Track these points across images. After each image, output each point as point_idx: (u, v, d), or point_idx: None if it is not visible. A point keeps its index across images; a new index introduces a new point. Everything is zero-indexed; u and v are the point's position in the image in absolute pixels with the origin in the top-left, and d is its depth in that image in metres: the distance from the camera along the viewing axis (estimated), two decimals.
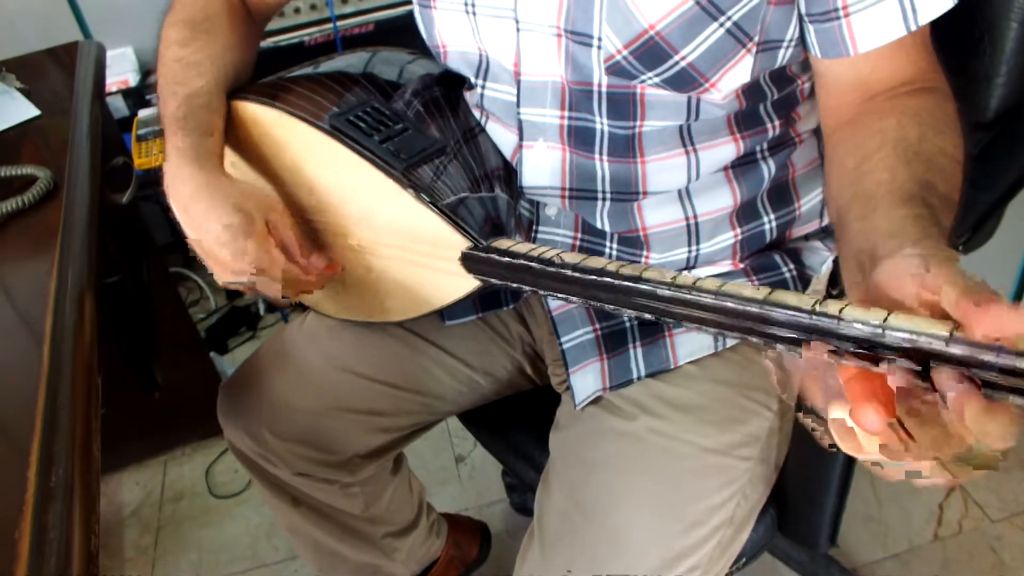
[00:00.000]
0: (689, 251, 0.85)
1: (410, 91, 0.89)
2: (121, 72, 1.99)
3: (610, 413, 0.87)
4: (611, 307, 0.64)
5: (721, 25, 0.70)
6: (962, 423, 0.45)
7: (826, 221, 0.90)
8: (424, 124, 0.85)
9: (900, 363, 0.47)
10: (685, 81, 0.73)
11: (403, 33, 0.91)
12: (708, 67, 0.72)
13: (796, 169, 0.86)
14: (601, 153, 0.80)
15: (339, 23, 2.03)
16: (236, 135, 0.89)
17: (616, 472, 0.84)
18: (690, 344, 0.87)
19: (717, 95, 0.75)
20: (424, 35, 0.88)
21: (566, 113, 0.80)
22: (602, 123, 0.79)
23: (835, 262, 0.89)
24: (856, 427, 0.47)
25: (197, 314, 2.25)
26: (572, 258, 0.67)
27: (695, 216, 0.83)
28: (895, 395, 0.46)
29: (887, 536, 1.55)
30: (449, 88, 0.91)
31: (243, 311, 2.23)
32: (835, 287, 0.89)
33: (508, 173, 0.86)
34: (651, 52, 0.71)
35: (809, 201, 0.88)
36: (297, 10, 2.02)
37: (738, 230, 0.85)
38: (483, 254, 0.75)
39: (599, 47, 0.73)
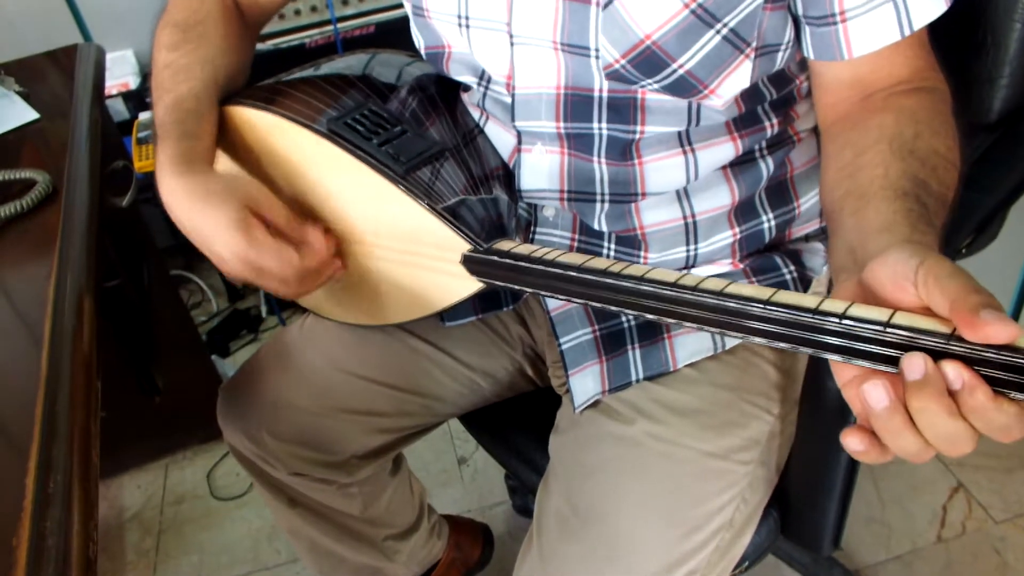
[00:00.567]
0: (687, 250, 0.84)
1: (406, 90, 0.89)
2: (121, 75, 1.99)
3: (609, 417, 0.87)
4: (614, 307, 0.64)
5: (718, 32, 0.70)
6: (969, 414, 0.46)
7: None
8: (422, 126, 0.85)
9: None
10: (684, 88, 0.73)
11: (404, 35, 0.90)
12: (707, 74, 0.72)
13: (795, 167, 0.86)
14: (600, 156, 0.80)
15: (340, 25, 2.03)
16: (232, 140, 0.88)
17: (614, 476, 0.84)
18: (689, 346, 0.87)
19: (717, 101, 0.75)
20: (420, 42, 0.87)
21: (562, 124, 0.80)
22: (601, 129, 0.79)
23: None
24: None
25: (198, 317, 2.25)
26: (575, 259, 0.67)
27: (693, 215, 0.83)
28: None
29: (890, 538, 1.54)
30: (445, 87, 0.91)
31: (244, 314, 2.23)
32: None
33: (507, 173, 0.86)
34: (649, 61, 0.71)
35: (808, 200, 0.87)
36: (297, 12, 2.02)
37: (736, 229, 0.84)
38: (485, 256, 0.75)
39: (597, 57, 0.74)
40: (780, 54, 0.75)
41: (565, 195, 0.84)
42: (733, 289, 0.57)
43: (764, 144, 0.83)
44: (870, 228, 0.59)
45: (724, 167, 0.82)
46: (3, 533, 0.61)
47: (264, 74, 0.94)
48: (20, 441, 0.69)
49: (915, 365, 0.47)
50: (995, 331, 0.44)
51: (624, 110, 0.77)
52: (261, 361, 1.08)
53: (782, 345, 0.55)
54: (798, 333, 0.53)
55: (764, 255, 0.87)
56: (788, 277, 0.86)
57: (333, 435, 1.04)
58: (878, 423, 0.49)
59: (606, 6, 0.70)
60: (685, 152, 0.80)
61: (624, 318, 0.87)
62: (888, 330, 0.49)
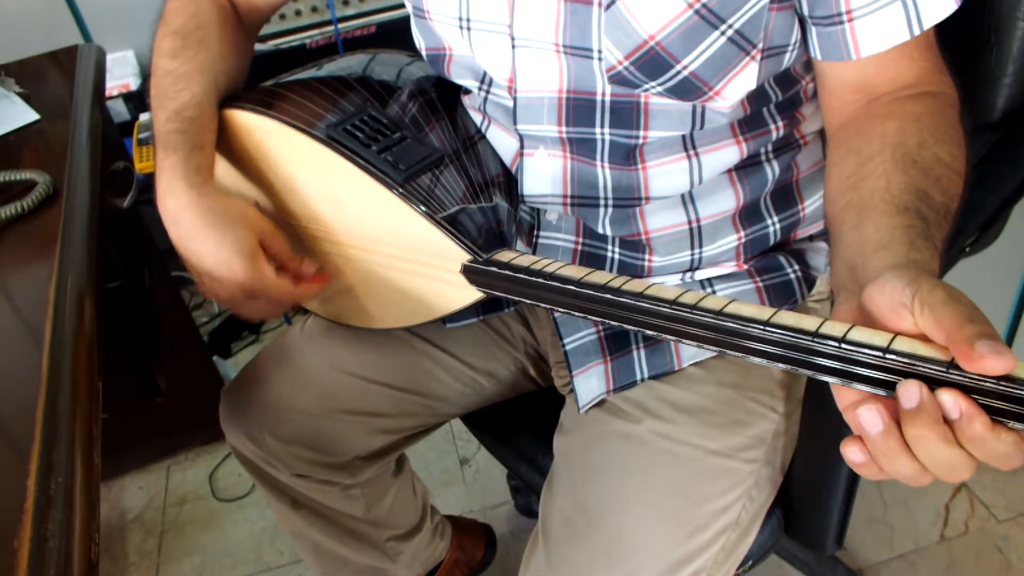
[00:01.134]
0: (692, 254, 0.84)
1: (406, 94, 0.88)
2: (122, 76, 1.99)
3: (614, 416, 0.87)
4: (614, 322, 0.64)
5: (723, 34, 0.69)
6: (966, 443, 0.46)
7: None
8: (422, 132, 0.84)
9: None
10: (688, 90, 0.73)
11: (405, 35, 0.90)
12: (711, 76, 0.71)
13: (800, 171, 0.86)
14: (603, 160, 0.80)
15: (340, 25, 2.03)
16: (230, 144, 0.88)
17: (620, 475, 0.84)
18: (694, 346, 0.86)
19: (722, 103, 0.74)
20: (421, 44, 0.87)
21: (564, 128, 0.79)
22: (603, 133, 0.78)
23: None
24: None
25: (200, 318, 2.25)
26: (575, 272, 0.67)
27: (697, 219, 0.83)
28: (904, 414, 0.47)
29: (893, 537, 1.54)
30: (446, 91, 0.91)
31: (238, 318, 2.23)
32: None
33: (508, 180, 0.86)
34: (652, 62, 0.71)
35: (813, 203, 0.87)
36: (298, 12, 2.02)
37: (741, 233, 0.84)
38: (484, 267, 0.75)
39: (600, 59, 0.73)
40: (787, 55, 0.74)
41: (568, 200, 0.83)
42: (732, 309, 0.57)
43: (770, 147, 0.82)
44: (869, 245, 0.58)
45: (729, 171, 0.81)
46: (4, 535, 0.61)
47: (265, 75, 0.93)
48: (21, 443, 0.69)
49: (911, 393, 0.47)
50: (992, 364, 0.44)
51: (627, 115, 0.77)
52: (263, 363, 1.08)
53: (781, 366, 0.55)
54: (797, 355, 0.53)
55: (768, 255, 0.87)
56: (792, 276, 0.86)
57: (335, 436, 1.03)
58: (873, 447, 0.49)
59: (608, 7, 0.70)
60: (689, 156, 0.79)
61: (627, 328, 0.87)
62: (887, 356, 0.48)
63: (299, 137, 0.81)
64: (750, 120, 0.79)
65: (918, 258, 0.55)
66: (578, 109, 0.78)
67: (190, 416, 1.70)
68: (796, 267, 0.86)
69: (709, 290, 0.86)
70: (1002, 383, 0.44)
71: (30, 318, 0.85)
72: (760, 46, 0.71)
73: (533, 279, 0.69)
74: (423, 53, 0.88)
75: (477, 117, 0.89)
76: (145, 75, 2.05)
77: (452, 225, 0.77)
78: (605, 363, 0.87)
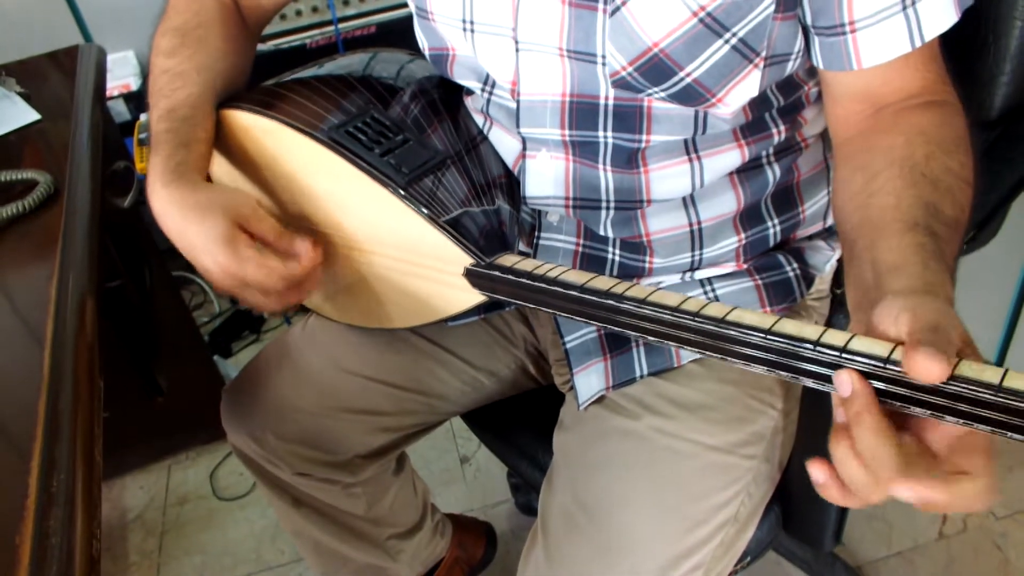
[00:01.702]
0: (693, 255, 0.84)
1: (408, 95, 0.88)
2: (123, 76, 1.99)
3: (614, 412, 0.87)
4: (616, 328, 0.64)
5: (726, 42, 0.69)
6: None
7: (830, 222, 0.90)
8: (424, 133, 0.84)
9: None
10: (691, 96, 0.73)
11: (405, 35, 0.90)
12: (714, 83, 0.71)
13: (801, 173, 0.86)
14: (605, 163, 0.80)
15: (341, 25, 2.03)
16: (232, 145, 0.88)
17: (620, 471, 0.84)
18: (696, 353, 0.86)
19: (725, 109, 0.74)
20: (424, 44, 0.87)
21: (567, 132, 0.79)
22: (606, 137, 0.79)
23: (839, 261, 0.89)
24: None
25: (200, 318, 2.25)
26: (578, 278, 0.67)
27: (698, 222, 0.83)
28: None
29: (892, 534, 1.54)
30: (448, 91, 0.91)
31: (247, 314, 2.23)
32: (839, 287, 0.89)
33: (510, 181, 0.86)
34: (656, 69, 0.71)
35: (813, 205, 0.87)
36: (299, 12, 2.02)
37: (742, 235, 0.84)
38: (487, 271, 0.75)
39: (603, 64, 0.73)
40: (790, 63, 0.74)
41: (570, 202, 0.83)
42: (735, 317, 0.57)
43: (771, 151, 0.82)
44: (883, 266, 0.59)
45: (730, 173, 0.81)
46: (6, 531, 0.62)
47: (265, 75, 0.93)
48: (23, 441, 0.69)
49: (842, 382, 0.50)
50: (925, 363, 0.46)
51: (630, 118, 0.77)
52: (264, 362, 1.08)
53: (783, 375, 0.55)
54: (799, 364, 0.54)
55: (767, 254, 0.87)
56: (791, 275, 0.86)
57: (337, 435, 1.04)
58: (833, 444, 0.51)
59: (613, 13, 0.70)
60: (691, 160, 0.79)
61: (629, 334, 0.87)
62: (888, 366, 0.49)
63: (301, 139, 0.81)
64: (752, 125, 0.79)
65: (932, 280, 0.56)
66: (581, 112, 0.78)
67: (191, 415, 1.70)
68: (795, 265, 0.86)
69: (708, 288, 0.86)
70: (1001, 394, 0.46)
71: (31, 317, 0.86)
72: (763, 54, 0.71)
73: (536, 284, 0.69)
74: (426, 53, 0.88)
75: (479, 119, 0.89)
76: (145, 75, 2.05)
77: (455, 228, 0.76)
78: (605, 360, 0.87)
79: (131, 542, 1.75)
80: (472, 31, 0.79)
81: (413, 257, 0.81)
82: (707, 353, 0.59)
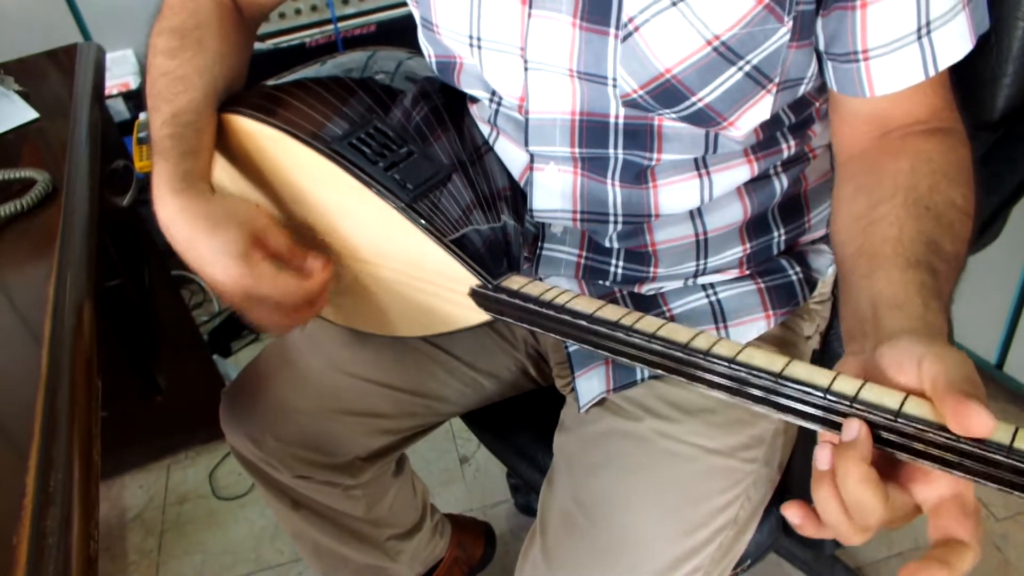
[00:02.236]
0: (697, 264, 0.84)
1: (410, 99, 0.87)
2: (121, 74, 1.99)
3: (614, 414, 0.87)
4: (625, 360, 0.64)
5: (740, 69, 0.69)
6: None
7: None
8: (428, 144, 0.82)
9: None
10: (703, 119, 0.72)
11: (405, 34, 0.89)
12: (726, 107, 0.71)
13: (809, 183, 0.86)
14: (613, 179, 0.79)
15: (340, 24, 2.03)
16: (233, 149, 0.86)
17: (620, 473, 0.84)
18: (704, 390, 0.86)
19: (736, 132, 0.74)
20: (430, 52, 0.85)
21: (577, 149, 0.79)
22: (617, 153, 0.78)
23: None
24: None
25: (200, 317, 2.25)
26: (587, 306, 0.66)
27: (705, 232, 0.82)
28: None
29: (891, 535, 1.54)
30: (451, 97, 0.89)
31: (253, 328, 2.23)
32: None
33: (515, 194, 0.85)
34: (667, 93, 0.70)
35: (819, 213, 0.87)
36: (298, 11, 2.02)
37: (747, 244, 0.84)
38: (494, 294, 0.74)
39: (614, 86, 0.72)
40: (802, 86, 0.74)
41: (578, 216, 0.83)
42: (744, 357, 0.56)
43: (780, 163, 0.82)
44: (882, 300, 0.58)
45: (738, 186, 0.81)
46: (3, 531, 0.61)
47: (264, 74, 0.92)
48: (20, 440, 0.69)
49: (851, 429, 0.50)
50: (975, 421, 0.46)
51: (641, 137, 0.76)
52: (263, 364, 1.08)
53: (790, 419, 0.55)
54: (807, 410, 0.53)
55: (770, 258, 0.87)
56: (794, 279, 0.86)
57: (336, 437, 1.03)
58: (814, 485, 0.51)
59: (625, 39, 0.69)
60: (700, 175, 0.79)
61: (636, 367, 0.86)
62: (899, 420, 0.49)
63: (304, 150, 0.79)
64: (762, 142, 0.79)
65: (932, 321, 0.56)
66: (591, 131, 0.77)
67: (190, 415, 1.70)
68: (798, 269, 0.86)
69: (711, 292, 0.86)
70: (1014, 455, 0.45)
71: (29, 316, 0.85)
72: (777, 80, 0.70)
73: (543, 310, 0.69)
74: (432, 61, 0.86)
75: (485, 128, 0.88)
76: (144, 74, 2.05)
77: (461, 248, 0.75)
78: (607, 363, 0.87)
79: (130, 541, 1.75)
80: (479, 47, 0.78)
81: (418, 272, 0.80)
82: (712, 391, 0.59)
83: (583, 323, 0.65)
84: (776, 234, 0.85)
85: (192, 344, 1.77)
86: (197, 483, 1.85)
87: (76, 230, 0.97)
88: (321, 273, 0.79)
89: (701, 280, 0.86)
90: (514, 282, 0.73)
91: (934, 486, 0.50)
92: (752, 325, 0.85)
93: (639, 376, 0.86)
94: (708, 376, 0.58)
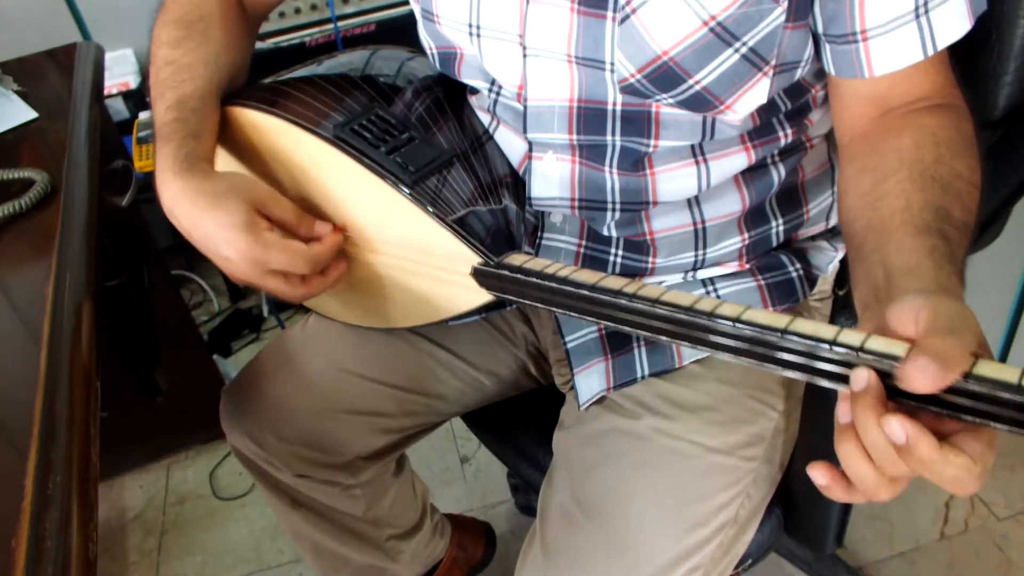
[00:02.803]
0: (696, 255, 0.84)
1: (412, 92, 0.87)
2: (121, 74, 1.99)
3: (614, 412, 0.87)
4: (627, 328, 0.64)
5: (736, 51, 0.69)
6: (916, 466, 0.49)
7: (833, 222, 0.90)
8: (430, 132, 0.83)
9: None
10: (700, 103, 0.73)
11: (405, 33, 0.90)
12: (723, 90, 0.71)
13: (806, 173, 0.85)
14: (611, 166, 0.80)
15: (340, 23, 2.02)
16: (235, 142, 0.87)
17: (619, 471, 0.84)
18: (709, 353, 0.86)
19: (733, 116, 0.74)
20: (430, 44, 0.86)
21: (575, 136, 0.79)
22: (615, 140, 0.78)
23: (842, 262, 0.89)
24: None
25: (200, 317, 2.25)
26: (589, 277, 0.66)
27: (703, 221, 0.82)
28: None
29: (893, 535, 1.54)
30: (452, 90, 0.90)
31: (246, 313, 2.23)
32: (841, 287, 0.88)
33: (516, 180, 0.85)
34: (665, 76, 0.71)
35: (817, 205, 0.87)
36: (298, 10, 2.02)
37: (746, 235, 0.84)
38: (495, 270, 0.74)
39: (612, 71, 0.73)
40: (799, 70, 0.74)
41: (576, 203, 0.83)
42: (749, 316, 0.56)
43: (777, 152, 0.82)
44: (894, 268, 0.58)
45: (736, 175, 0.81)
46: (2, 533, 0.61)
47: (264, 73, 0.92)
48: (19, 442, 0.69)
49: (860, 378, 0.50)
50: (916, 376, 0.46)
51: (638, 123, 0.77)
52: (263, 363, 1.07)
53: (797, 375, 0.55)
54: (813, 364, 0.53)
55: (770, 254, 0.86)
56: (794, 275, 0.85)
57: (337, 436, 1.03)
58: (838, 440, 0.51)
59: (623, 21, 0.69)
60: (698, 163, 0.79)
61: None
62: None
63: (306, 137, 0.80)
64: (759, 129, 0.79)
65: (946, 283, 0.56)
66: (589, 117, 0.78)
67: (190, 415, 1.70)
68: (798, 266, 0.86)
69: (711, 287, 0.86)
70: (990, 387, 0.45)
71: (28, 317, 0.85)
72: (773, 63, 0.71)
73: (546, 283, 0.69)
74: (433, 53, 0.87)
75: (485, 118, 0.89)
76: (144, 73, 2.05)
77: (462, 227, 0.76)
78: (606, 361, 0.87)
79: (131, 541, 1.75)
80: (479, 36, 0.78)
81: (419, 256, 0.81)
82: (719, 353, 0.58)
83: (585, 293, 0.65)
84: (774, 224, 0.85)
85: (192, 344, 1.77)
86: (197, 483, 1.85)
87: (75, 230, 0.97)
88: (331, 237, 0.80)
89: (701, 274, 0.86)
90: (516, 259, 0.73)
91: (949, 423, 0.50)
92: None
93: (639, 373, 0.86)
94: (713, 338, 0.58)
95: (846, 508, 0.91)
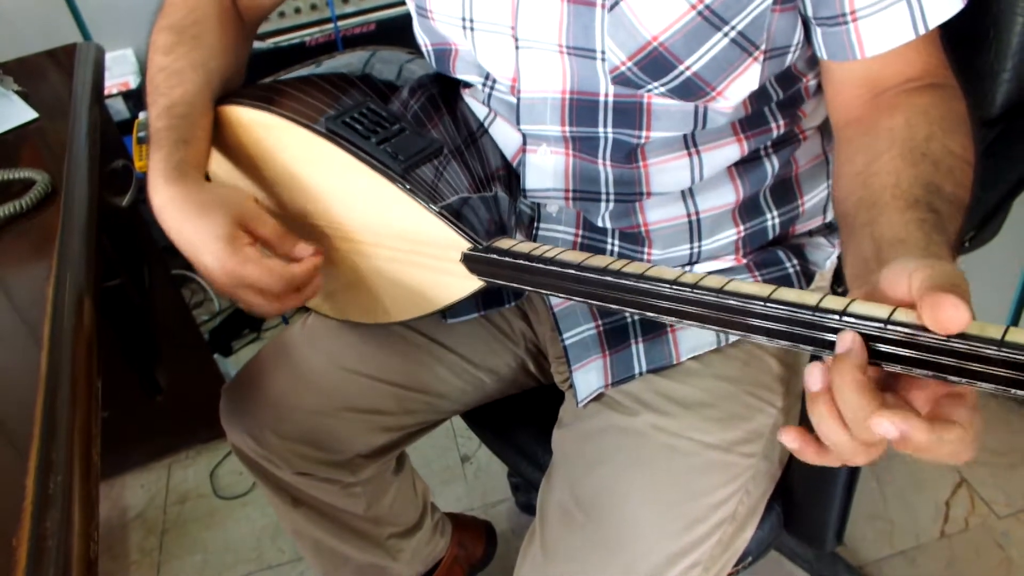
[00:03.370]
0: (691, 247, 0.84)
1: (407, 91, 0.88)
2: (121, 74, 1.99)
3: (612, 409, 0.87)
4: (615, 306, 0.64)
5: (725, 35, 0.69)
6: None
7: (829, 217, 0.90)
8: (422, 125, 0.84)
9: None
10: (691, 90, 0.73)
11: (405, 32, 0.90)
12: (714, 76, 0.71)
13: (799, 166, 0.86)
14: (604, 158, 0.80)
15: (340, 23, 2.02)
16: (229, 141, 0.88)
17: (618, 468, 0.84)
18: (692, 340, 0.86)
19: (725, 104, 0.74)
20: (425, 41, 0.87)
21: (567, 128, 0.79)
22: (607, 132, 0.78)
23: (839, 258, 0.89)
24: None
25: (200, 316, 2.25)
26: (575, 257, 0.67)
27: (697, 213, 0.83)
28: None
29: (893, 533, 1.54)
30: (447, 87, 0.90)
31: (247, 313, 2.23)
32: (839, 284, 0.89)
33: (509, 174, 0.86)
34: (655, 63, 0.71)
35: (812, 198, 0.87)
36: (298, 10, 2.02)
37: (741, 227, 0.84)
38: (484, 254, 0.74)
39: (603, 59, 0.73)
40: (789, 55, 0.74)
41: (570, 194, 0.83)
42: (733, 287, 0.57)
43: (770, 144, 0.82)
44: (884, 240, 0.58)
45: (729, 166, 0.81)
46: (3, 533, 0.61)
47: (264, 73, 0.93)
48: (20, 441, 0.69)
49: (845, 340, 0.49)
50: (948, 312, 0.45)
51: (630, 115, 0.77)
52: (263, 361, 1.08)
53: (783, 343, 0.55)
54: (799, 331, 0.53)
55: (767, 250, 0.87)
56: (791, 271, 0.86)
57: (337, 434, 1.03)
58: (810, 405, 0.51)
59: (612, 8, 0.70)
60: (691, 154, 0.79)
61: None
62: (888, 327, 0.49)
63: (298, 131, 0.81)
64: (751, 119, 0.79)
65: (936, 252, 0.56)
66: (581, 109, 0.78)
67: (191, 414, 1.70)
68: (795, 261, 0.86)
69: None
70: (1003, 349, 0.45)
71: (29, 316, 0.85)
72: (763, 47, 0.71)
73: (534, 265, 0.69)
74: (428, 50, 0.88)
75: (481, 111, 0.89)
76: (144, 73, 2.05)
77: (452, 214, 0.76)
78: (604, 357, 0.87)
79: (132, 540, 1.75)
80: (472, 29, 0.79)
81: (411, 246, 0.81)
82: (706, 325, 0.59)
83: (572, 272, 0.66)
84: (769, 216, 0.85)
85: (192, 343, 1.77)
86: (198, 482, 1.85)
87: (75, 230, 0.97)
88: (310, 259, 0.81)
89: (698, 268, 0.86)
90: (504, 243, 0.74)
91: (926, 390, 0.50)
92: None
93: (637, 370, 0.86)
94: (699, 311, 0.58)
95: (846, 505, 0.91)
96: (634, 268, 0.63)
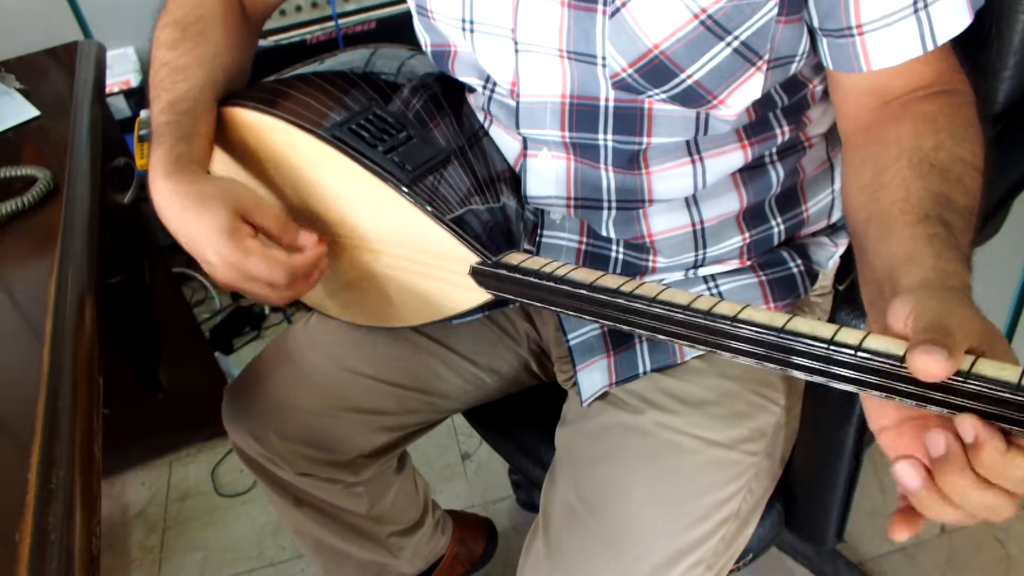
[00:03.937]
0: (696, 255, 0.84)
1: (409, 90, 0.87)
2: (122, 72, 1.99)
3: (616, 408, 0.87)
4: (625, 327, 0.64)
5: (728, 45, 0.68)
6: (981, 469, 0.46)
7: (834, 219, 0.90)
8: (427, 129, 0.83)
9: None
10: (692, 98, 0.72)
11: (406, 30, 0.90)
12: (715, 85, 0.71)
13: (806, 173, 0.85)
14: (606, 164, 0.80)
15: (341, 21, 2.02)
16: (233, 142, 0.87)
17: (621, 466, 0.84)
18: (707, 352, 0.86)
19: (727, 111, 0.74)
20: (425, 40, 0.86)
21: (567, 133, 0.79)
22: (606, 140, 0.78)
23: (842, 257, 0.89)
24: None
25: (201, 314, 2.25)
26: (587, 276, 0.66)
27: (701, 221, 0.82)
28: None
29: None
30: (450, 86, 0.90)
31: (247, 311, 2.23)
32: (841, 282, 0.88)
33: (514, 176, 0.85)
34: (656, 70, 0.70)
35: (817, 204, 0.87)
36: (299, 8, 2.02)
37: (746, 234, 0.84)
38: (493, 270, 0.74)
39: (603, 65, 0.73)
40: (794, 64, 0.74)
41: (572, 202, 0.83)
42: (746, 315, 0.56)
43: (774, 151, 0.82)
44: (896, 260, 0.58)
45: (733, 173, 0.81)
46: (6, 528, 0.62)
47: (265, 71, 0.92)
48: (22, 437, 0.69)
49: (937, 442, 0.48)
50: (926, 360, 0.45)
51: (630, 120, 0.77)
52: (265, 361, 1.08)
53: (797, 374, 0.55)
54: (812, 364, 0.53)
55: (771, 251, 0.87)
56: (795, 271, 0.86)
57: (339, 434, 1.03)
58: (916, 501, 0.50)
59: (613, 15, 0.69)
60: (693, 161, 0.79)
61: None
62: (904, 365, 0.48)
63: (304, 136, 0.80)
64: (755, 125, 0.79)
65: (947, 269, 0.55)
66: (581, 114, 0.78)
67: (192, 412, 1.70)
68: (799, 262, 0.86)
69: (712, 284, 0.86)
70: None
71: (31, 314, 0.85)
72: (766, 57, 0.70)
73: (543, 283, 0.69)
74: (427, 49, 0.87)
75: (480, 115, 0.89)
76: (146, 71, 2.05)
77: (460, 226, 0.76)
78: (608, 357, 0.87)
79: (133, 538, 1.75)
80: (472, 31, 0.78)
81: (418, 255, 0.81)
82: (719, 352, 0.58)
83: (583, 292, 0.65)
84: (774, 223, 0.85)
85: (194, 341, 1.77)
86: (199, 480, 1.85)
87: (77, 228, 0.97)
88: (313, 249, 0.80)
89: (702, 271, 0.86)
90: (514, 258, 0.74)
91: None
92: None
93: (641, 369, 0.86)
94: (710, 338, 0.58)
95: (847, 502, 0.91)
96: (646, 291, 0.62)
